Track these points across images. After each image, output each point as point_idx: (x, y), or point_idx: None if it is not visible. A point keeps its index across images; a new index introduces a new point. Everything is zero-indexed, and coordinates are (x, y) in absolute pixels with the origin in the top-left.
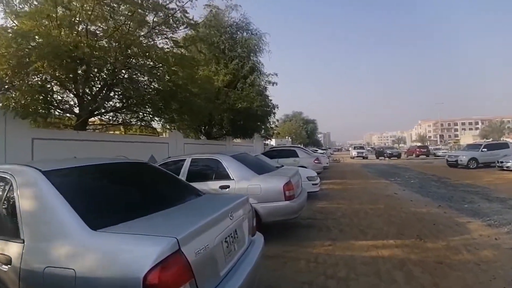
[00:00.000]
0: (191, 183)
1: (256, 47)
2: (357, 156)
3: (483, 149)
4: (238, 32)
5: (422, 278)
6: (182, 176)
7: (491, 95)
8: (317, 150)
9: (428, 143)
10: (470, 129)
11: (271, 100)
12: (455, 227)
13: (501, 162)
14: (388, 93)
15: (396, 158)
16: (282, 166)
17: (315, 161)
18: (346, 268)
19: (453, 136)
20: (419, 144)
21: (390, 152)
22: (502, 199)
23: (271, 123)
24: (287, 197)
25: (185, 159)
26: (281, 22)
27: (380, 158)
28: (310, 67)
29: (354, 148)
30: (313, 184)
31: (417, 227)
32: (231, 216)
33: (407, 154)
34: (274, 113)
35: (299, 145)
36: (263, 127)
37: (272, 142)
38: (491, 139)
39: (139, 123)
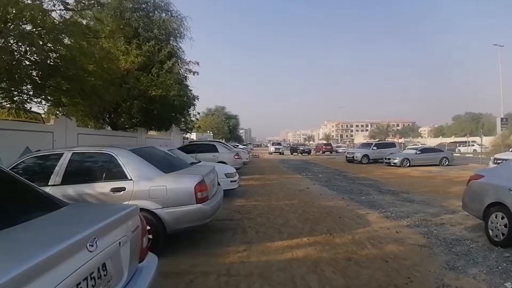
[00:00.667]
0: (71, 186)
1: (176, 31)
2: (274, 152)
3: (373, 147)
4: (156, 12)
5: (335, 280)
6: (56, 177)
7: (381, 102)
8: (238, 145)
9: (331, 141)
10: (362, 130)
11: (191, 90)
12: (357, 220)
13: (388, 158)
14: (302, 94)
15: (307, 154)
16: (200, 162)
17: (235, 157)
18: (261, 279)
19: (349, 136)
20: (324, 142)
21: (302, 149)
22: (393, 191)
23: (192, 116)
24: (200, 199)
25: (62, 153)
26: (207, 12)
27: (294, 153)
28: (235, 63)
29: (272, 144)
30: (231, 181)
31: (327, 222)
32: (90, 245)
33: (316, 150)
34: (194, 105)
35: (219, 140)
36: (182, 119)
37: (193, 136)
38: (377, 139)
39: (9, 105)
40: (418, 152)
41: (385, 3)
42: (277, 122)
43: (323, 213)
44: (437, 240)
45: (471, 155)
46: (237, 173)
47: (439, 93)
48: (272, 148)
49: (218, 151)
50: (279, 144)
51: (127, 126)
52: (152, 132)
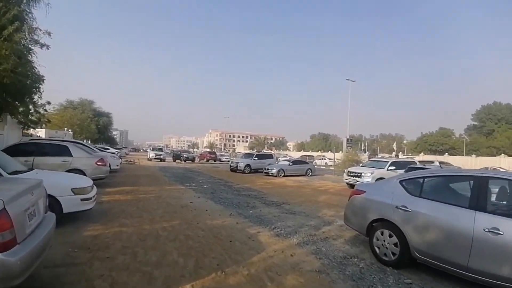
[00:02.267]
0: None
1: None
2: (154, 158)
3: (255, 158)
4: None
5: None
6: None
7: (259, 116)
8: (108, 149)
9: (216, 150)
10: (243, 141)
11: (35, 68)
12: (249, 243)
13: (267, 169)
14: (188, 100)
15: (191, 161)
16: (32, 169)
17: (98, 163)
18: None
19: (232, 145)
20: (209, 150)
21: (186, 156)
22: (276, 203)
23: (37, 105)
24: None
25: None
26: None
27: (177, 161)
28: (115, 58)
29: (153, 149)
30: (82, 200)
31: (216, 250)
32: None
33: (200, 158)
34: (39, 89)
35: (77, 140)
36: (20, 108)
37: (41, 133)
38: (255, 150)
39: None
40: (290, 164)
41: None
42: (160, 127)
43: (210, 237)
44: (329, 260)
45: (324, 167)
46: (94, 187)
47: (303, 114)
48: (151, 154)
49: (71, 155)
50: (160, 149)
51: None
52: None
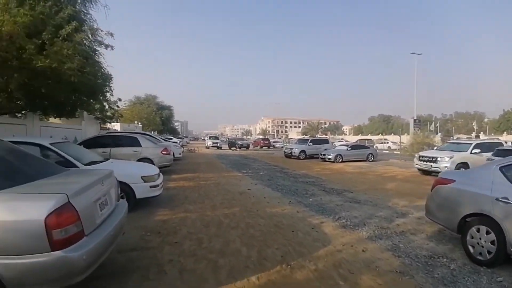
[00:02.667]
0: None
1: None
2: (212, 146)
3: (309, 143)
4: None
5: None
6: None
7: (311, 101)
8: (171, 139)
9: (268, 136)
10: (295, 127)
11: (103, 68)
12: (313, 233)
13: (324, 154)
14: (239, 89)
15: (245, 148)
16: (107, 159)
17: (163, 152)
18: None
19: (284, 131)
20: (262, 137)
21: (241, 143)
22: (337, 191)
23: (109, 101)
24: (57, 242)
25: None
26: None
27: (232, 148)
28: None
29: (210, 138)
30: (151, 187)
31: (278, 240)
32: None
33: (254, 145)
34: (110, 86)
35: (145, 132)
36: (95, 104)
37: (117, 126)
38: (309, 135)
39: None
40: (349, 149)
41: None
42: (216, 116)
43: (271, 226)
44: (410, 260)
45: (387, 151)
46: (161, 175)
47: (358, 96)
48: (209, 142)
49: (140, 145)
50: (216, 138)
51: (4, 112)
52: (56, 120)
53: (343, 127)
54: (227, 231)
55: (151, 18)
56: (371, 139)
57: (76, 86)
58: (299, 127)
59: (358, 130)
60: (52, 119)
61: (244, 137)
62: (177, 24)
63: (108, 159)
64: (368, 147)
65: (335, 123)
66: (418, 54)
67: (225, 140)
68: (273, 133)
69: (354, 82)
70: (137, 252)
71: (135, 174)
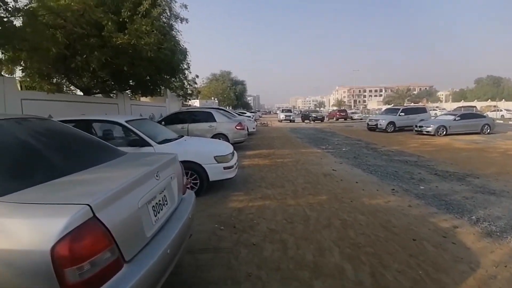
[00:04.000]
0: None
1: None
2: (284, 119)
3: (400, 113)
4: None
5: None
6: None
7: (394, 65)
8: (245, 113)
9: (344, 107)
10: (375, 96)
11: (180, 45)
12: (448, 246)
13: (421, 126)
14: (311, 59)
15: (320, 121)
16: (181, 136)
17: (238, 127)
18: None
19: (362, 101)
20: (335, 108)
21: (315, 116)
22: (456, 174)
23: (187, 78)
24: (74, 287)
25: None
26: None
27: (305, 121)
28: (241, 28)
29: (282, 111)
30: (225, 169)
31: (399, 258)
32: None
33: (329, 117)
34: (187, 63)
35: (220, 107)
36: (175, 81)
37: (196, 103)
38: (392, 105)
39: None
40: (457, 118)
41: None
42: (287, 89)
43: (377, 227)
44: None
45: (501, 121)
46: (235, 154)
47: (457, 55)
48: (282, 116)
49: (215, 120)
50: (289, 111)
51: (96, 90)
52: (144, 99)
53: (438, 93)
54: (317, 231)
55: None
56: (475, 106)
57: (156, 63)
58: (380, 95)
59: (460, 96)
60: (141, 98)
61: (318, 109)
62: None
63: (182, 136)
64: (484, 116)
65: (427, 88)
66: None
67: (297, 112)
68: (349, 104)
69: (450, 39)
70: (208, 255)
71: (208, 153)
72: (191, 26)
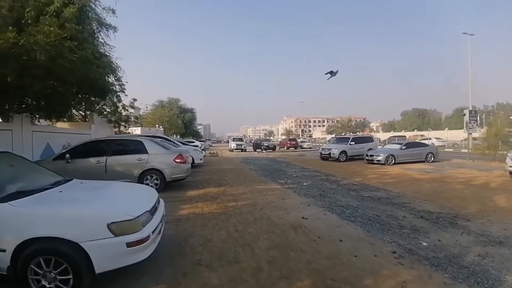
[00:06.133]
0: None
1: None
2: (236, 149)
3: (351, 142)
4: None
5: None
6: None
7: (334, 99)
8: (193, 142)
9: (293, 137)
10: (319, 126)
11: (108, 57)
12: None
13: (371, 155)
14: (261, 90)
15: (272, 150)
16: (64, 182)
17: (177, 160)
18: None
19: (308, 131)
20: (284, 137)
21: (267, 145)
22: (444, 217)
23: (120, 100)
24: None
25: None
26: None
27: (257, 150)
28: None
29: (233, 140)
30: (130, 245)
31: None
32: None
33: (280, 146)
34: (118, 81)
35: (159, 135)
36: (99, 102)
37: (137, 130)
38: (334, 135)
39: None
40: (403, 147)
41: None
42: (237, 118)
43: None
44: None
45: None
46: (158, 209)
47: (386, 90)
48: (233, 145)
49: (147, 152)
50: (240, 140)
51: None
52: (61, 124)
53: (371, 124)
54: None
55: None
56: (404, 136)
57: (60, 74)
58: (323, 125)
59: (389, 127)
60: (60, 124)
61: (269, 137)
62: (198, 30)
63: (66, 181)
64: (427, 145)
65: (361, 120)
66: (471, 35)
67: (248, 141)
68: (296, 133)
69: (380, 78)
70: None
71: (94, 218)
72: (138, 50)
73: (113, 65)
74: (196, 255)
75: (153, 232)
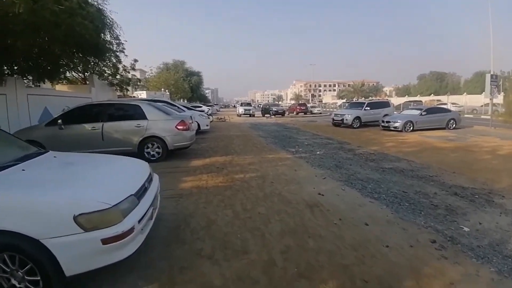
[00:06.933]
0: None
1: None
2: (244, 114)
3: (366, 108)
4: None
5: None
6: None
7: (345, 62)
8: (200, 107)
9: (303, 101)
10: (330, 90)
11: (100, 8)
12: None
13: (388, 122)
14: (269, 53)
15: (281, 116)
16: (23, 161)
17: (179, 127)
18: None
19: (318, 96)
20: (293, 102)
21: (276, 110)
22: (477, 193)
23: (120, 61)
24: None
25: None
26: None
27: (266, 115)
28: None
29: (241, 105)
30: (107, 243)
31: None
32: None
33: (289, 111)
34: (115, 39)
35: (163, 100)
36: (100, 63)
37: (143, 94)
38: (345, 100)
39: None
40: (423, 113)
41: None
42: (245, 83)
43: None
44: None
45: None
46: (149, 189)
47: (401, 53)
48: (241, 110)
49: (146, 118)
50: (249, 104)
51: None
52: (61, 87)
53: (384, 88)
54: None
55: None
56: (420, 101)
57: (45, 28)
58: (334, 90)
59: (404, 91)
60: (59, 87)
61: (277, 102)
62: None
63: (36, 155)
64: (449, 111)
65: (374, 84)
66: None
67: (257, 106)
68: (306, 98)
69: (395, 42)
70: None
71: (58, 208)
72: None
73: (107, 20)
74: (196, 242)
75: (140, 220)
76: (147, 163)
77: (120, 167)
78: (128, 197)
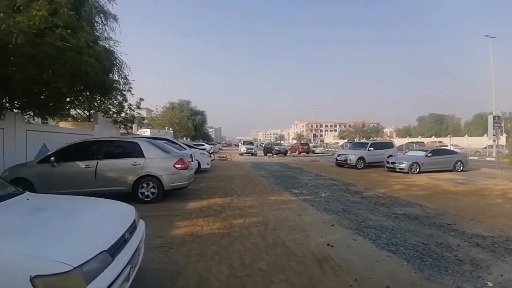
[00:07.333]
0: None
1: None
2: (246, 153)
3: (369, 148)
4: None
5: None
6: None
7: (346, 103)
8: (202, 145)
9: (305, 141)
10: (331, 130)
11: (111, 49)
12: None
13: (393, 163)
14: (272, 93)
15: (283, 155)
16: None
17: (177, 165)
18: None
19: (319, 135)
20: (295, 141)
21: (278, 149)
22: (501, 245)
23: (126, 99)
24: None
25: None
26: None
27: (268, 155)
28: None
29: (243, 143)
30: None
31: None
32: None
33: (291, 151)
34: (123, 78)
35: (165, 138)
36: (105, 100)
37: (147, 132)
38: (347, 140)
39: None
40: (429, 155)
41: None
42: (248, 122)
43: None
44: None
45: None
46: (124, 243)
47: (403, 95)
48: (243, 148)
49: (143, 155)
50: (251, 143)
51: None
52: (64, 124)
53: (385, 129)
54: None
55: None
56: (422, 142)
57: (45, 62)
58: (335, 130)
59: (405, 132)
60: (63, 123)
61: (279, 142)
62: (212, 35)
63: (9, 196)
64: (456, 152)
65: (375, 125)
66: (492, 38)
67: (259, 145)
68: (308, 138)
69: (395, 82)
70: None
71: (12, 266)
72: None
73: (117, 61)
74: None
75: (110, 285)
76: (133, 208)
77: (99, 214)
78: (98, 254)
